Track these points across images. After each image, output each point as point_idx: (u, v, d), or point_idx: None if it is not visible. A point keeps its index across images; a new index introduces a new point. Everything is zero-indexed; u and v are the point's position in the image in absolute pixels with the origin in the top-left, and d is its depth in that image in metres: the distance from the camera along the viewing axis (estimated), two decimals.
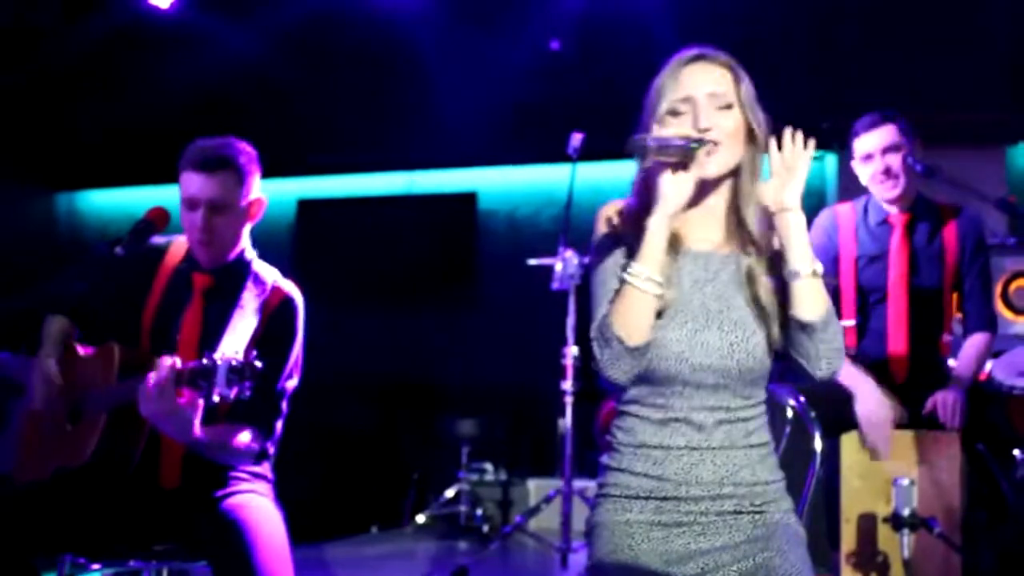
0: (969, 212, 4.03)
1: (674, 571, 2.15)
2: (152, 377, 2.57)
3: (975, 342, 3.93)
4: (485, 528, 6.24)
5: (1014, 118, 6.57)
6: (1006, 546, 3.79)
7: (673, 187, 2.12)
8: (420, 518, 6.46)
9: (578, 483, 4.90)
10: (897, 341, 3.89)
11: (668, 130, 2.15)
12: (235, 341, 2.74)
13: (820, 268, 2.18)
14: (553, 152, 5.36)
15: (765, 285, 2.21)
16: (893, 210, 3.97)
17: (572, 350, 4.92)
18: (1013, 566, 3.77)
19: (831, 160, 6.97)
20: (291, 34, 7.63)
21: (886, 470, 3.71)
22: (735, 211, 2.26)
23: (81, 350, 2.98)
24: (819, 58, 6.80)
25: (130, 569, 3.03)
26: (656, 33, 6.13)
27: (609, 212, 2.27)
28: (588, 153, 4.94)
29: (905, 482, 3.52)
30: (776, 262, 2.21)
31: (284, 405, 2.92)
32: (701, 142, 2.11)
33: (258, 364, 2.48)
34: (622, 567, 2.17)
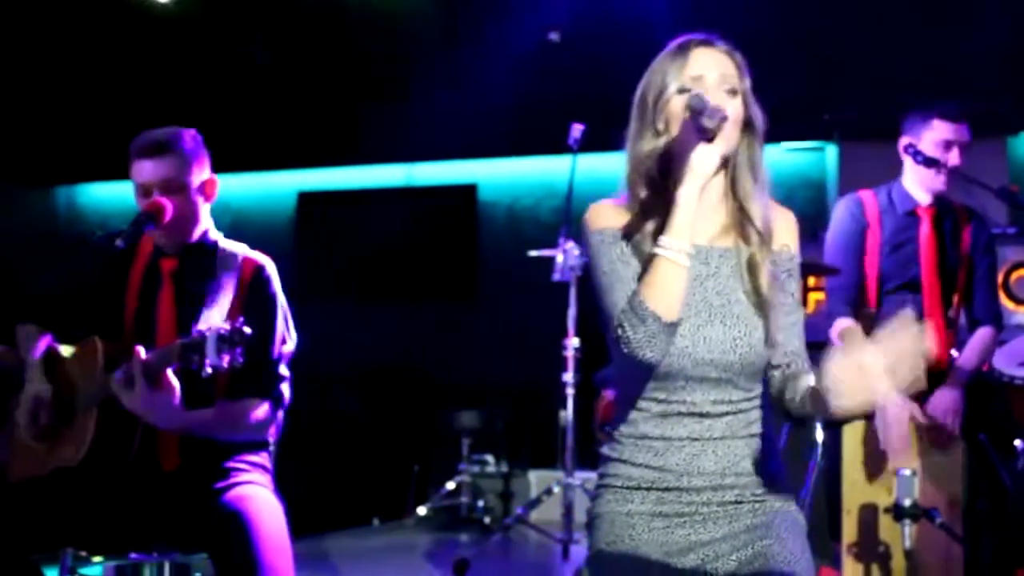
0: (980, 213, 4.04)
1: (674, 562, 2.15)
2: (121, 371, 2.60)
3: (981, 336, 3.93)
4: (486, 520, 6.25)
5: (1015, 108, 6.57)
6: (1007, 536, 3.79)
7: (706, 159, 2.09)
8: (421, 510, 6.47)
9: (579, 475, 4.90)
10: (934, 335, 3.87)
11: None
12: (216, 315, 2.74)
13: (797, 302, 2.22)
14: (553, 144, 5.36)
15: (767, 274, 2.20)
16: (923, 201, 3.95)
17: (573, 342, 4.91)
18: (1014, 556, 3.77)
19: (832, 151, 6.97)
20: (290, 27, 7.63)
21: (888, 461, 3.71)
22: (730, 202, 2.25)
23: (64, 350, 2.99)
24: (819, 49, 6.79)
25: (131, 562, 3.03)
26: (656, 24, 6.13)
27: (603, 209, 2.25)
28: (588, 144, 4.93)
29: (907, 473, 3.52)
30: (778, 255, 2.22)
31: (285, 370, 2.94)
32: (726, 117, 2.09)
33: (247, 329, 2.49)
34: (623, 557, 2.16)
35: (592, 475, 2.33)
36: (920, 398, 3.76)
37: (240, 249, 3.03)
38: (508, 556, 5.45)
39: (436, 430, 6.89)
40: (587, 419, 5.10)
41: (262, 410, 2.86)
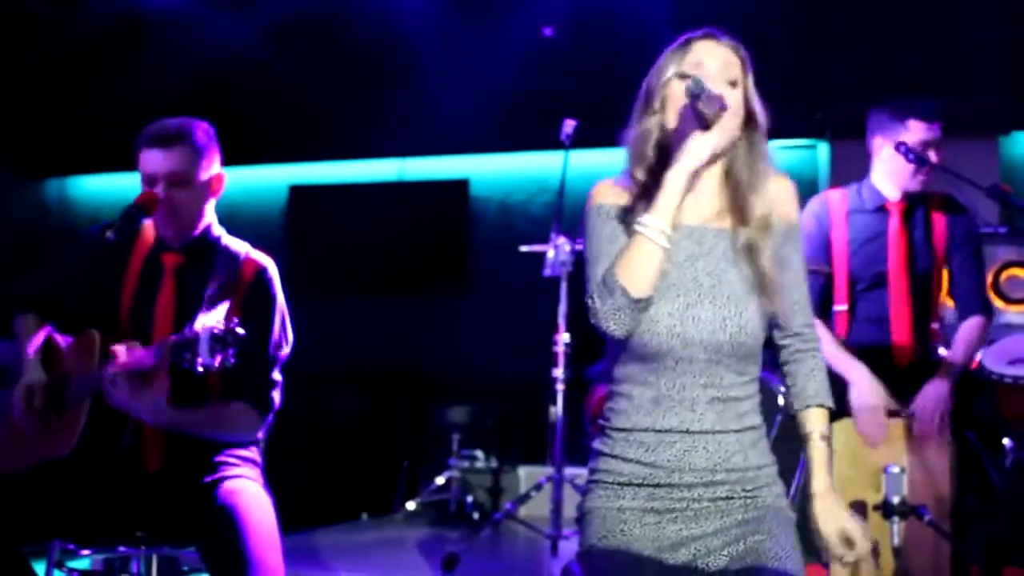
0: (957, 199, 4.03)
1: (666, 557, 2.15)
2: (108, 367, 2.59)
3: (970, 327, 3.92)
4: (475, 515, 6.25)
5: (1007, 107, 6.58)
6: (995, 533, 3.80)
7: (701, 145, 2.10)
8: (410, 505, 6.47)
9: (569, 470, 4.89)
10: (900, 327, 3.88)
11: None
12: (213, 314, 2.74)
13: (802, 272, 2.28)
14: (545, 139, 5.35)
15: (768, 258, 2.21)
16: (893, 197, 3.96)
17: (564, 337, 4.91)
18: (1002, 553, 3.78)
19: (823, 149, 6.97)
20: (284, 21, 7.61)
21: (876, 458, 3.71)
22: (729, 190, 2.26)
23: (61, 340, 2.98)
24: (811, 47, 6.80)
25: (119, 555, 3.02)
26: (649, 20, 6.12)
27: (604, 187, 2.27)
28: (581, 140, 4.93)
29: (895, 470, 3.53)
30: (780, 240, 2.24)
31: (278, 375, 2.93)
32: (725, 106, 2.10)
33: (240, 330, 2.49)
34: (614, 553, 2.16)
35: (581, 471, 2.34)
36: (908, 393, 3.77)
37: (243, 248, 3.02)
38: (497, 551, 5.46)
39: (426, 425, 6.89)
40: (577, 415, 5.10)
41: (250, 414, 2.86)
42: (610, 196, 2.25)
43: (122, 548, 2.89)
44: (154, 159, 2.89)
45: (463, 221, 7.95)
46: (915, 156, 3.84)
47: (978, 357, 3.97)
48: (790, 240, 2.27)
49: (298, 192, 8.32)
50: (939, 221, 3.97)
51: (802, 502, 3.60)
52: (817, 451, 2.31)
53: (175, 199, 2.90)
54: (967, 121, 6.28)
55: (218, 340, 2.48)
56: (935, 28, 6.56)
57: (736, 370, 2.20)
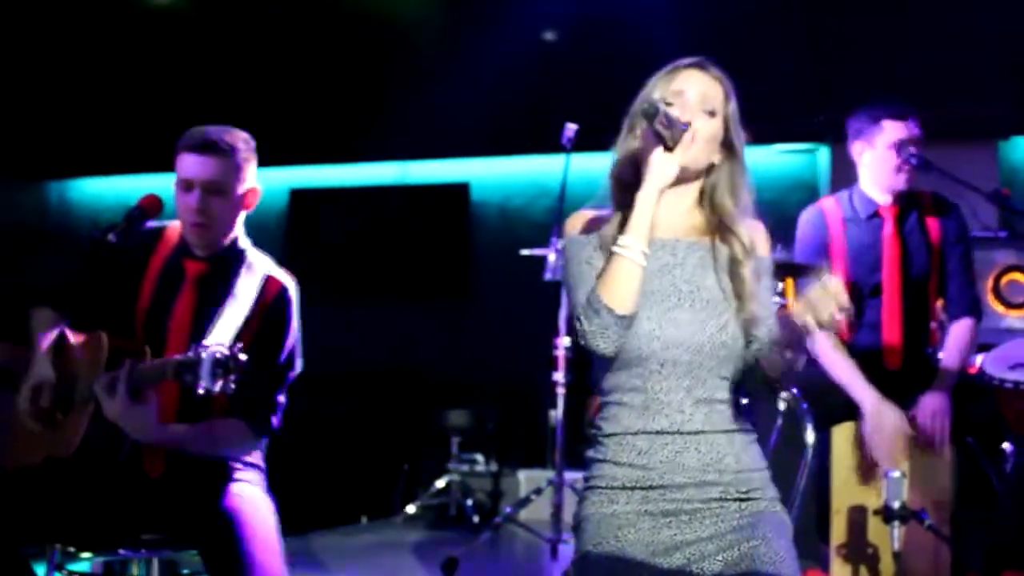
0: (950, 200, 4.04)
1: (660, 562, 2.16)
2: (103, 380, 2.59)
3: (960, 329, 3.93)
4: (475, 519, 6.24)
5: (1007, 112, 6.58)
6: (995, 538, 3.80)
7: (662, 165, 2.18)
8: (410, 509, 6.46)
9: (569, 474, 4.89)
10: (891, 332, 3.90)
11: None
12: (225, 330, 2.72)
13: (772, 300, 2.31)
14: (546, 143, 5.35)
15: (750, 273, 2.27)
16: (884, 201, 3.97)
17: (564, 341, 4.91)
18: (1002, 558, 3.78)
19: (824, 153, 6.97)
20: (285, 23, 7.62)
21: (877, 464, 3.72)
22: (705, 212, 2.33)
23: (72, 338, 2.96)
24: (813, 52, 6.80)
25: (120, 559, 3.02)
26: (649, 25, 6.12)
27: (578, 217, 2.35)
28: (581, 144, 4.93)
29: (895, 474, 3.53)
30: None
31: (283, 397, 2.90)
32: (686, 128, 2.18)
33: (242, 357, 2.47)
34: (608, 558, 2.18)
35: (581, 475, 2.35)
36: (909, 392, 3.78)
37: (265, 264, 2.99)
38: (497, 555, 5.45)
39: (426, 428, 6.88)
40: (578, 419, 5.10)
41: (246, 435, 2.84)
42: (583, 226, 2.33)
43: (123, 551, 2.89)
44: (193, 164, 2.86)
45: (463, 225, 7.95)
46: (908, 153, 3.85)
47: (978, 362, 3.97)
48: (762, 275, 2.32)
49: (298, 195, 8.32)
50: (933, 222, 3.98)
51: (801, 509, 3.62)
52: None
53: (210, 207, 2.87)
54: (967, 126, 6.29)
55: (220, 365, 2.46)
56: (937, 34, 6.56)
57: (718, 373, 2.24)
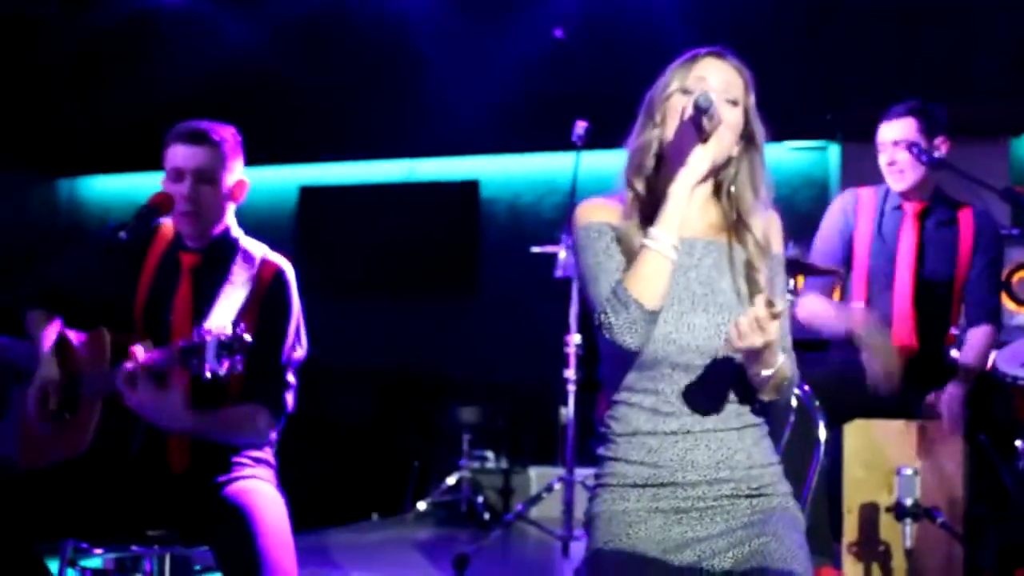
0: (985, 209, 4.04)
1: (671, 559, 2.16)
2: (124, 368, 2.60)
3: (978, 334, 3.93)
4: (486, 516, 6.24)
5: (1017, 109, 6.57)
6: (1008, 536, 3.79)
7: (703, 157, 2.16)
8: (421, 506, 6.46)
9: (580, 471, 4.89)
10: (902, 330, 3.89)
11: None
12: (225, 316, 2.73)
13: (784, 299, 2.27)
14: (556, 140, 5.35)
15: (766, 280, 2.24)
16: (909, 198, 3.97)
17: (575, 338, 4.91)
18: (1015, 557, 3.77)
19: (834, 150, 6.97)
20: (294, 21, 7.63)
21: (889, 460, 3.71)
22: (720, 206, 2.30)
23: (73, 337, 2.98)
24: (824, 49, 6.80)
25: (132, 554, 3.03)
26: (659, 22, 6.12)
27: (591, 206, 2.30)
28: (592, 141, 4.93)
29: (908, 472, 3.53)
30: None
31: (292, 377, 2.93)
32: (721, 121, 2.16)
33: (247, 337, 2.49)
34: (620, 555, 2.17)
35: (592, 472, 2.34)
36: (921, 392, 3.77)
37: (260, 250, 3.02)
38: (508, 552, 5.45)
39: (437, 426, 6.89)
40: (588, 416, 5.09)
41: (263, 417, 2.85)
42: (598, 214, 2.28)
43: (135, 547, 2.90)
44: (182, 154, 2.92)
45: (473, 222, 7.95)
46: (928, 158, 3.85)
47: (991, 359, 3.96)
48: (777, 272, 2.30)
49: (308, 193, 8.32)
50: (965, 227, 3.96)
51: (813, 506, 3.62)
52: None
53: (200, 195, 2.91)
54: (977, 123, 6.27)
55: (225, 347, 2.47)
56: (945, 30, 6.55)
57: (731, 376, 2.21)
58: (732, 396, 2.22)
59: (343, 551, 5.32)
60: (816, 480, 3.62)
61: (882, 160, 3.94)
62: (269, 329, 2.82)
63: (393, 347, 7.78)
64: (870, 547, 3.73)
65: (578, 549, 4.69)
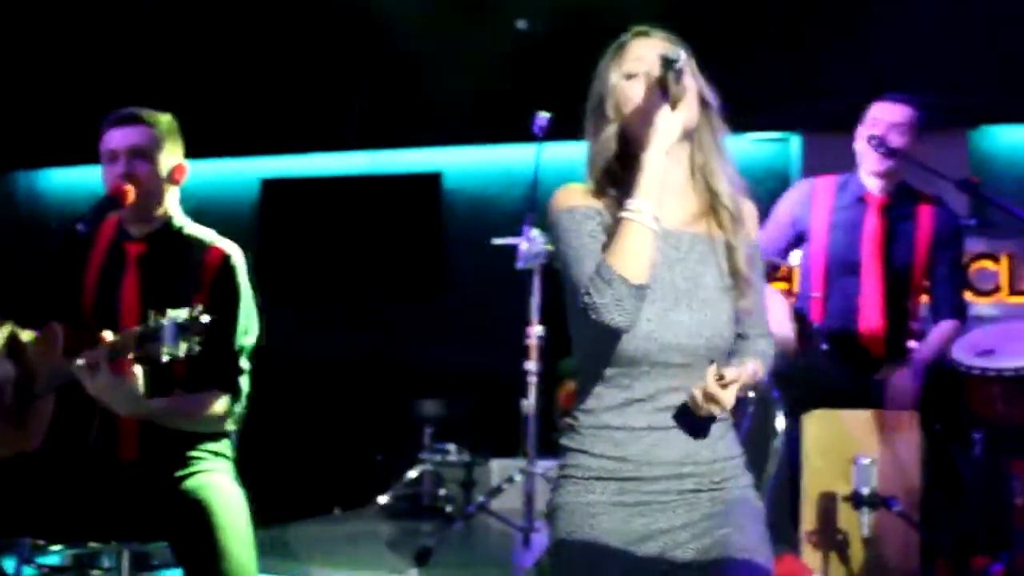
0: (947, 202, 4.08)
1: (634, 550, 2.16)
2: (84, 356, 2.58)
3: (942, 328, 3.98)
4: (448, 509, 6.23)
5: (977, 101, 6.62)
6: (963, 524, 3.84)
7: (669, 122, 2.12)
8: (382, 499, 6.44)
9: (541, 464, 4.89)
10: (871, 317, 3.92)
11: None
12: (178, 302, 2.73)
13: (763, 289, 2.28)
14: (519, 132, 5.34)
15: (744, 257, 2.23)
16: (873, 188, 3.99)
17: (536, 330, 4.91)
18: (970, 544, 3.81)
19: (796, 142, 7.00)
20: (256, 11, 7.57)
21: (847, 449, 3.74)
22: (698, 185, 2.27)
23: (23, 334, 2.96)
24: (785, 41, 6.82)
25: (90, 550, 3.01)
26: (623, 15, 6.11)
27: (572, 190, 2.25)
28: (554, 133, 4.92)
29: (865, 461, 3.56)
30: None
31: (246, 363, 2.92)
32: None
33: (204, 318, 2.48)
34: (583, 546, 2.17)
35: (554, 464, 2.33)
36: (877, 383, 3.81)
37: (207, 236, 3.02)
38: (469, 545, 5.45)
39: (399, 419, 6.87)
40: (550, 408, 5.10)
41: (221, 403, 2.85)
42: (580, 199, 2.23)
43: (93, 543, 2.88)
44: (116, 136, 2.95)
45: (436, 214, 7.94)
46: (877, 142, 3.89)
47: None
48: (753, 258, 2.28)
49: (270, 186, 8.28)
50: (925, 219, 4.01)
51: (774, 495, 3.64)
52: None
53: (137, 174, 2.91)
54: (937, 115, 6.32)
55: (183, 329, 2.47)
56: (906, 22, 6.59)
57: (705, 371, 2.19)
58: None
59: (304, 545, 5.30)
60: (775, 469, 3.64)
61: (863, 144, 3.96)
62: (220, 314, 2.81)
63: (355, 339, 7.75)
64: (829, 535, 3.76)
65: (539, 540, 4.70)
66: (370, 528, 5.94)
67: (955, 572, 3.79)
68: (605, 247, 2.14)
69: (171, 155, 2.98)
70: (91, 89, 7.48)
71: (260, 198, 8.26)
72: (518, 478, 5.02)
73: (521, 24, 7.10)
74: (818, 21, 6.79)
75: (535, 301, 4.91)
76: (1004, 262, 6.28)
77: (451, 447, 6.64)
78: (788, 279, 5.47)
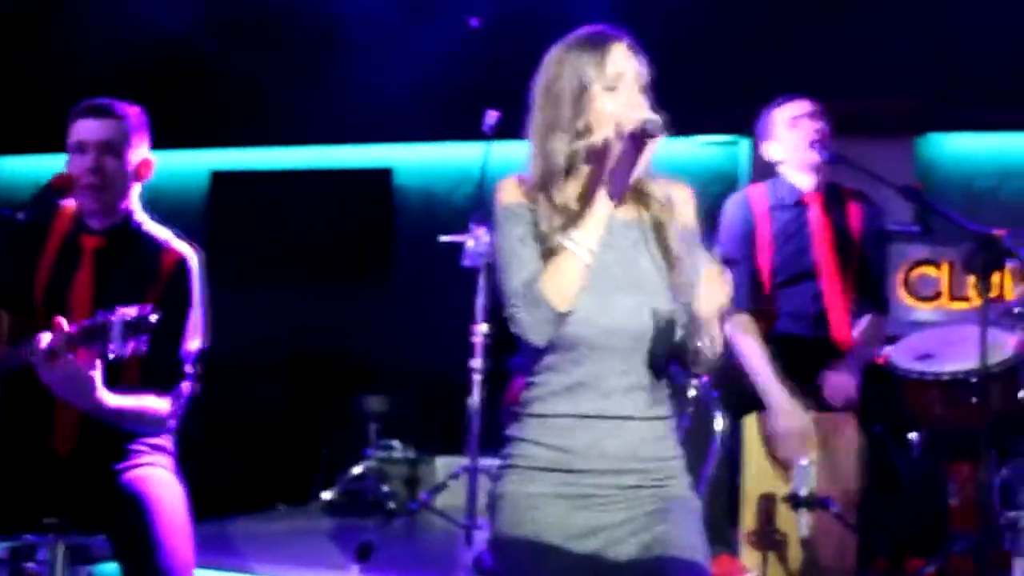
0: (872, 199, 4.12)
1: (574, 546, 2.18)
2: (42, 341, 2.55)
3: (867, 322, 4.02)
4: (391, 505, 6.22)
5: (922, 108, 6.71)
6: (899, 525, 3.89)
7: (635, 170, 2.18)
8: (326, 495, 6.42)
9: (485, 461, 4.89)
10: (838, 321, 3.95)
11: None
12: (130, 300, 2.71)
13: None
14: (469, 129, 5.35)
15: (675, 237, 2.25)
16: (807, 187, 4.02)
17: (482, 327, 4.91)
18: (906, 544, 3.87)
19: (744, 145, 7.05)
20: (207, 4, 7.52)
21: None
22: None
23: None
24: (734, 44, 6.87)
25: (26, 543, 2.97)
26: (573, 15, 6.13)
27: (511, 185, 2.27)
28: (504, 131, 4.93)
29: (804, 462, 3.60)
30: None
31: (190, 368, 2.90)
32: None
33: (153, 317, 2.46)
34: (523, 541, 2.19)
35: (497, 461, 2.34)
36: (814, 380, 3.84)
37: (165, 236, 2.99)
38: (411, 541, 5.44)
39: (345, 414, 6.85)
40: (495, 405, 5.10)
41: (165, 405, 2.83)
42: (515, 195, 2.26)
43: (29, 536, 2.85)
44: (87, 127, 2.89)
45: (387, 210, 7.92)
46: (820, 148, 3.92)
47: (886, 352, 4.05)
48: (690, 244, 2.29)
49: (220, 178, 8.22)
50: (854, 215, 4.05)
51: (711, 496, 3.68)
52: None
53: (105, 167, 2.88)
54: (883, 121, 6.40)
55: (131, 327, 2.45)
56: (854, 28, 6.67)
57: (649, 359, 2.23)
58: (648, 381, 2.23)
59: (246, 540, 5.27)
60: (713, 471, 3.67)
61: (797, 137, 3.97)
62: (170, 317, 2.78)
63: (303, 334, 7.72)
64: (768, 536, 3.79)
65: (481, 538, 4.71)
66: (313, 524, 5.92)
67: (891, 573, 3.84)
68: (534, 253, 2.19)
69: (138, 150, 2.96)
70: (41, 78, 7.40)
71: (209, 190, 8.20)
72: (461, 475, 5.02)
73: (472, 21, 7.09)
74: (767, 25, 6.85)
75: (480, 299, 4.91)
76: (945, 268, 6.37)
77: (396, 444, 6.63)
78: None
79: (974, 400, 3.42)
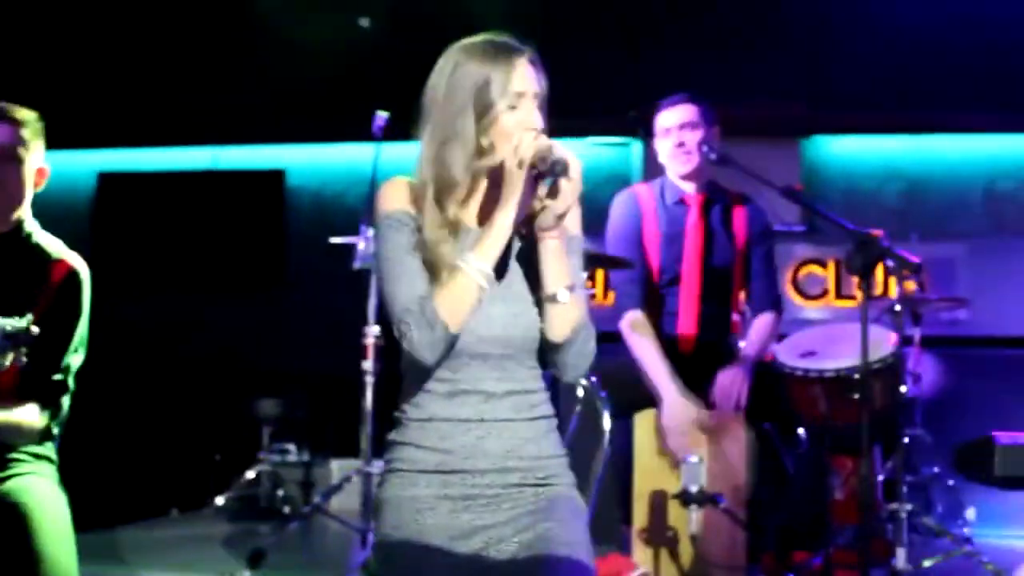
0: (755, 200, 4.20)
1: (457, 547, 2.18)
2: None
3: (762, 322, 4.10)
4: (286, 509, 6.17)
5: (808, 112, 6.86)
6: (787, 520, 3.97)
7: (533, 201, 2.16)
8: (220, 500, 6.33)
9: (378, 464, 4.86)
10: (687, 321, 4.02)
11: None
12: (14, 311, 2.64)
13: (580, 280, 2.26)
14: (360, 131, 5.32)
15: (549, 247, 2.21)
16: (689, 189, 4.09)
17: (373, 330, 4.89)
18: (792, 539, 3.95)
19: (636, 147, 7.13)
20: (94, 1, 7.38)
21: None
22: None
23: None
24: (627, 50, 6.95)
25: None
26: (467, 15, 6.15)
27: (396, 189, 2.25)
28: (395, 133, 4.91)
29: (694, 459, 3.65)
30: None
31: (71, 381, 2.84)
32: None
33: (34, 329, 2.41)
34: (407, 543, 2.18)
35: None
36: (708, 380, 3.90)
37: (55, 246, 2.92)
38: (306, 546, 5.41)
39: (238, 418, 6.77)
40: (389, 407, 5.08)
41: (42, 420, 2.77)
42: (402, 201, 2.23)
43: None
44: None
45: (278, 212, 7.85)
46: (708, 149, 3.99)
47: (772, 350, 4.13)
48: (572, 252, 2.28)
49: (107, 179, 8.06)
50: (738, 217, 4.13)
51: (601, 495, 3.71)
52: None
53: (6, 174, 2.81)
54: (770, 124, 6.54)
55: (10, 338, 2.39)
56: (742, 32, 6.79)
57: (527, 364, 2.25)
58: (527, 384, 2.25)
59: (135, 549, 5.17)
60: (602, 469, 3.71)
61: (667, 146, 4.06)
62: (55, 329, 2.73)
63: (194, 338, 7.61)
64: (659, 533, 3.84)
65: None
66: (206, 530, 5.84)
67: (778, 567, 3.91)
68: (420, 264, 2.17)
69: (37, 158, 2.89)
70: None
71: (96, 192, 8.03)
72: (355, 478, 5.00)
73: (364, 22, 7.07)
74: (657, 27, 6.94)
75: (372, 301, 4.89)
76: (831, 267, 6.54)
77: (290, 447, 6.58)
78: None
79: (856, 396, 3.49)
